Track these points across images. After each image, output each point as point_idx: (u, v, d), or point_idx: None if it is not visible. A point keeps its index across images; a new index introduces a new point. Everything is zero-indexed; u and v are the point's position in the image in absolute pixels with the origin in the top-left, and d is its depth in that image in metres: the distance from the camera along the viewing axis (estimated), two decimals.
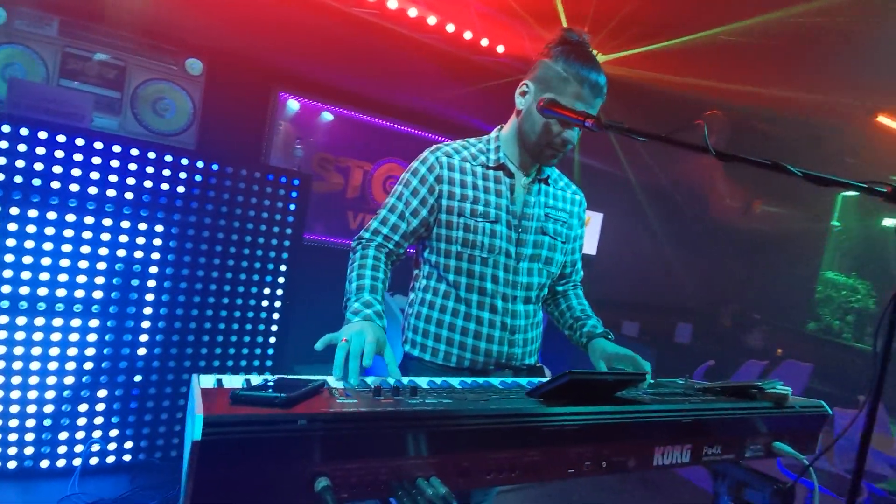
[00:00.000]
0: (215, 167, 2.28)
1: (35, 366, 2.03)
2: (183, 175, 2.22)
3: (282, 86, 3.66)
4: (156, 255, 2.20)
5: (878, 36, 2.93)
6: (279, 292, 2.51)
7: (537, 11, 2.98)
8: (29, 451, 2.07)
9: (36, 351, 2.02)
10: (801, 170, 0.92)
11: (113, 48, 3.10)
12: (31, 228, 1.96)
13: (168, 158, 2.18)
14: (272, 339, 2.53)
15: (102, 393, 2.17)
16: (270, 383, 0.71)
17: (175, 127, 3.33)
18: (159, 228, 2.19)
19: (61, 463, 2.13)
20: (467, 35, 3.23)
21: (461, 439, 0.70)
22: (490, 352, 1.29)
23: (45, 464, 2.10)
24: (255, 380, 0.78)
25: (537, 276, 1.33)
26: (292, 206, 2.49)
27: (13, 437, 2.03)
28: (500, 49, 3.36)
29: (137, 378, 2.23)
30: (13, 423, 2.02)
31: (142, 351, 2.23)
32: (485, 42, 3.29)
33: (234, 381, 0.79)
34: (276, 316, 2.52)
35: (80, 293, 2.06)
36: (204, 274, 2.31)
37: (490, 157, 1.33)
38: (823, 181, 0.93)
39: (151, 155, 2.14)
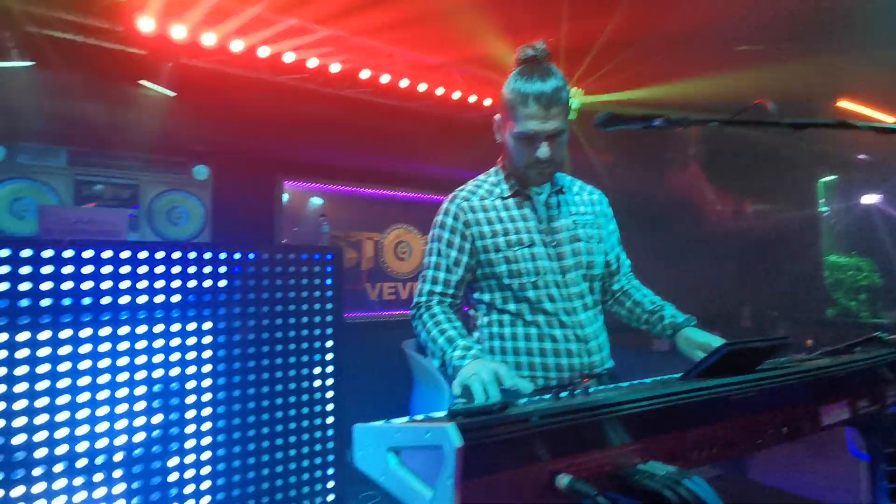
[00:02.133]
0: (252, 255, 2.31)
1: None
2: (223, 269, 2.24)
3: (284, 173, 3.79)
4: (207, 353, 2.18)
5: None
6: (328, 370, 2.48)
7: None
8: None
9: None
10: (866, 123, 1.00)
11: (123, 168, 3.20)
12: (85, 348, 1.93)
13: (207, 256, 2.21)
14: (329, 420, 2.46)
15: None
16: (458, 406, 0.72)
17: (190, 232, 3.39)
18: (207, 326, 2.18)
19: None
20: (455, 95, 3.43)
21: (662, 420, 0.71)
22: (573, 365, 1.30)
23: None
24: (418, 416, 0.78)
25: (586, 281, 1.36)
26: (329, 282, 2.51)
27: None
28: (488, 102, 3.56)
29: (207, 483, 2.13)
30: None
31: (206, 440, 2.14)
32: (472, 98, 3.49)
33: (397, 422, 0.79)
34: (329, 395, 2.46)
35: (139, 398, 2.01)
36: (255, 364, 2.28)
37: (503, 187, 1.40)
38: (888, 130, 1.00)
39: (192, 255, 2.17)
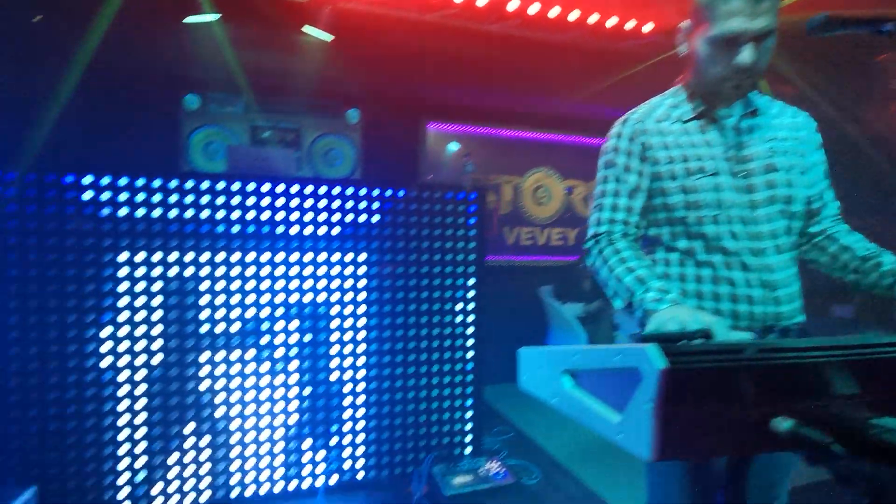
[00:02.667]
0: (401, 193, 2.41)
1: (266, 395, 2.25)
2: (375, 205, 2.37)
3: (427, 115, 3.85)
4: (362, 283, 2.36)
5: None
6: (469, 307, 2.54)
7: None
8: (279, 474, 2.27)
9: (265, 381, 2.24)
10: None
11: (288, 114, 3.51)
12: (265, 271, 2.21)
13: (362, 192, 2.35)
14: (469, 354, 2.54)
15: (330, 416, 2.33)
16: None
17: (344, 173, 3.63)
18: (360, 258, 2.35)
19: (305, 485, 2.31)
20: (611, 22, 3.13)
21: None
22: (753, 314, 1.12)
23: (292, 486, 2.29)
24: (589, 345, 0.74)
25: (782, 219, 1.15)
26: (472, 221, 2.53)
27: (259, 462, 2.25)
28: (648, 28, 3.19)
29: (360, 413, 2.37)
30: (261, 449, 2.25)
31: (360, 374, 2.37)
32: (630, 24, 3.15)
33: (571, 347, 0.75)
34: (469, 331, 2.54)
35: (291, 326, 2.26)
36: (403, 296, 2.42)
37: (684, 108, 1.20)
38: None
39: (350, 191, 2.32)
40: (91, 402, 2.00)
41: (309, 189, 2.26)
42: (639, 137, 1.21)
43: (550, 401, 0.69)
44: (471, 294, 2.54)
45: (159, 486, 2.10)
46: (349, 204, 2.33)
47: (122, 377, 2.04)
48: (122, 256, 2.03)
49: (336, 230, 2.31)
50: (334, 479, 2.34)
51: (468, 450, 2.56)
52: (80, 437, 2.00)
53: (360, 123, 3.66)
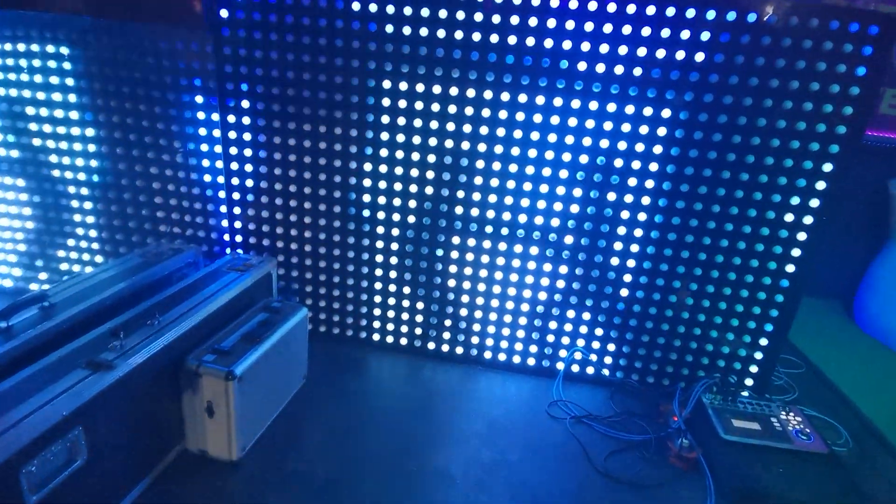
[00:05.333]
0: (751, 17, 1.58)
1: (514, 278, 1.95)
2: (705, 36, 1.61)
3: None
4: (658, 149, 1.75)
5: None
6: (812, 203, 1.73)
7: None
8: (519, 347, 2.09)
9: (515, 263, 1.92)
10: None
11: None
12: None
13: (689, 14, 1.60)
14: (785, 269, 1.82)
15: (587, 303, 1.97)
16: None
17: None
18: (666, 114, 1.70)
19: (546, 363, 2.09)
20: None
21: None
22: None
23: (531, 362, 2.10)
24: None
25: None
26: (862, 72, 1.58)
27: (506, 332, 2.07)
28: None
29: (624, 293, 1.94)
30: (508, 319, 2.05)
31: (630, 263, 1.90)
32: None
33: None
34: (800, 238, 1.77)
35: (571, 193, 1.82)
36: (712, 174, 1.74)
37: None
38: None
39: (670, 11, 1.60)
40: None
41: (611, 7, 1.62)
42: None
43: None
44: (820, 184, 1.71)
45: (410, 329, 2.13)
46: (663, 32, 1.62)
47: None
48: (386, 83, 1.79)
49: (637, 71, 1.67)
50: (575, 368, 2.08)
51: (748, 382, 1.99)
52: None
53: None
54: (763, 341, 1.92)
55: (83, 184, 2.14)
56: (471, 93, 1.75)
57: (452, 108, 1.78)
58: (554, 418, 1.85)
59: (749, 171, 1.72)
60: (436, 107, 1.79)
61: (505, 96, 1.74)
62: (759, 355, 1.95)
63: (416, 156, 1.86)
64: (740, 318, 1.91)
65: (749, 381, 1.99)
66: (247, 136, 1.94)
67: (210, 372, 1.39)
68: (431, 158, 1.86)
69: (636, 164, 1.77)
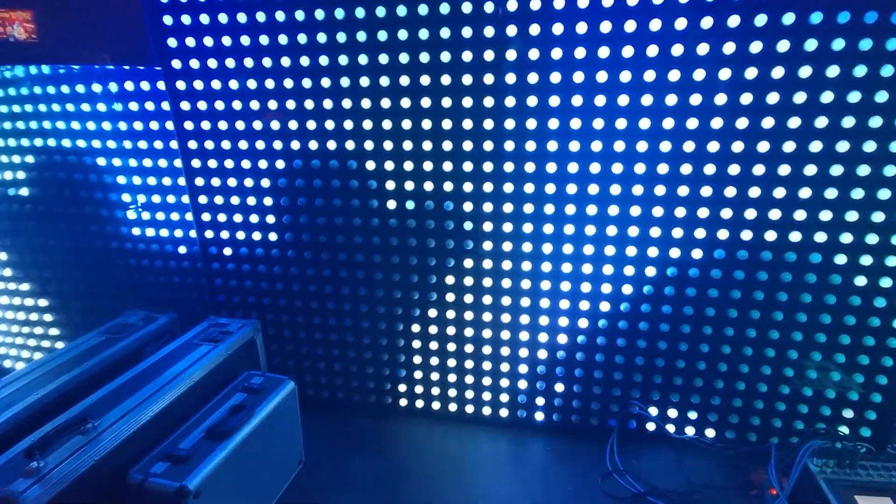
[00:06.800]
0: None
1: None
2: None
3: None
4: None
5: None
6: None
7: None
8: (558, 403, 1.70)
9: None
10: None
11: None
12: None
13: None
14: None
15: (639, 344, 1.57)
16: None
17: None
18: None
19: (594, 421, 1.70)
20: None
21: None
22: None
23: (574, 419, 1.71)
24: None
25: None
26: None
27: (540, 385, 1.69)
28: None
29: (686, 328, 1.53)
30: (541, 369, 1.67)
31: (691, 291, 1.49)
32: None
33: None
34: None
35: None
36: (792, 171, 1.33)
37: None
38: None
39: None
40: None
41: None
42: None
43: None
44: None
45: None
46: None
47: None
48: None
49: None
50: (631, 425, 1.68)
51: (864, 433, 1.53)
52: None
53: None
54: (882, 379, 1.46)
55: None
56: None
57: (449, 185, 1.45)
58: (611, 497, 1.46)
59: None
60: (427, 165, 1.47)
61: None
62: (877, 398, 1.49)
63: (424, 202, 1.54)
64: (846, 351, 1.46)
65: (866, 433, 1.52)
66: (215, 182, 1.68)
67: (157, 489, 1.09)
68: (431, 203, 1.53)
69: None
